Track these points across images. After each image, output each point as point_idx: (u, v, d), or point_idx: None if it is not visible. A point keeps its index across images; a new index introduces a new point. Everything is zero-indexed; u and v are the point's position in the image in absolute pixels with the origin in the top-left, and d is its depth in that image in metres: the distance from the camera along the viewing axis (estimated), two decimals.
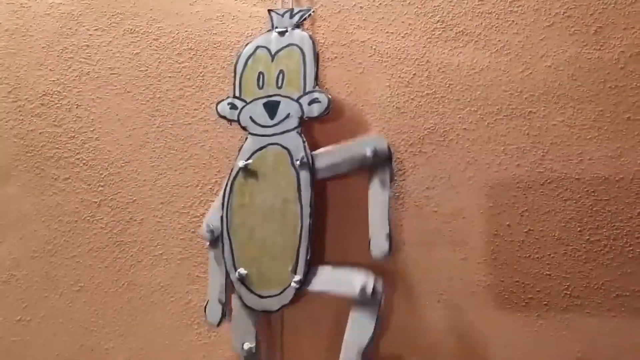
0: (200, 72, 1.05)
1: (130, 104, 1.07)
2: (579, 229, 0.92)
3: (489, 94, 0.95)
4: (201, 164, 1.05)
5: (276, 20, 0.96)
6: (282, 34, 0.95)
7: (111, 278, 1.09)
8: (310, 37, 0.94)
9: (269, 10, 0.97)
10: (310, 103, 0.92)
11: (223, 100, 0.96)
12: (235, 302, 0.96)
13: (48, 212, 1.10)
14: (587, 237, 0.92)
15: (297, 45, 0.94)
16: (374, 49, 0.99)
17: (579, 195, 0.92)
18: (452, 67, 0.96)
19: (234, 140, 1.02)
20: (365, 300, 0.88)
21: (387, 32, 0.98)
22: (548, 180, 0.93)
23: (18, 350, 1.12)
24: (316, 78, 0.93)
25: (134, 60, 1.07)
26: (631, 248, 0.90)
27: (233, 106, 0.95)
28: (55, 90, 1.09)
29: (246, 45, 0.96)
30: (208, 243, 0.97)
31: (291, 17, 0.96)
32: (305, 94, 0.93)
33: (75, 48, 1.08)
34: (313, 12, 0.98)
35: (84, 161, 1.09)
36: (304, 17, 0.96)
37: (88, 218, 1.09)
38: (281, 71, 0.94)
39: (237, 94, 0.95)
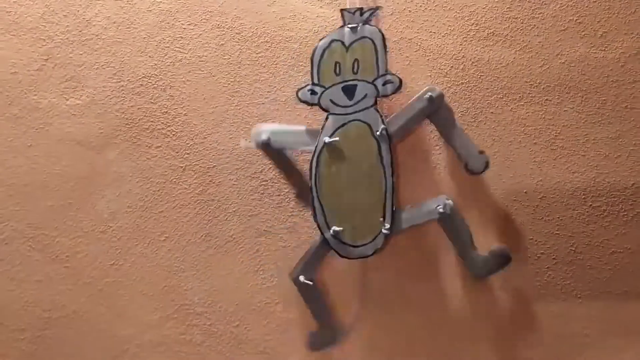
0: (274, 61, 1.36)
1: (214, 86, 1.39)
2: (583, 196, 1.21)
3: (512, 84, 1.25)
4: None
5: (348, 18, 1.21)
6: (354, 29, 1.21)
7: (192, 230, 1.40)
8: (380, 30, 1.20)
9: (342, 10, 1.22)
10: (384, 84, 1.19)
11: (303, 87, 1.21)
12: (316, 240, 1.23)
13: (141, 174, 1.42)
14: (590, 204, 1.21)
15: (368, 38, 1.20)
16: (419, 45, 1.29)
17: (584, 169, 1.21)
18: (483, 61, 1.26)
19: (300, 118, 1.33)
20: (446, 216, 1.17)
21: (430, 32, 1.29)
22: (559, 156, 1.22)
23: (111, 289, 1.43)
24: (386, 64, 1.20)
25: (219, 50, 1.39)
26: (625, 213, 1.20)
27: (313, 92, 1.21)
28: (152, 74, 1.41)
29: (321, 39, 1.22)
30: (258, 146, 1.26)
31: (361, 14, 1.22)
32: (379, 76, 1.19)
33: (171, 39, 1.40)
34: (380, 10, 1.24)
35: (174, 132, 1.41)
36: (372, 14, 1.22)
37: (175, 180, 1.41)
38: (356, 60, 1.20)
39: (315, 81, 1.21)
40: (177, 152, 1.40)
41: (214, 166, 1.38)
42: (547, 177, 1.23)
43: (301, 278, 1.25)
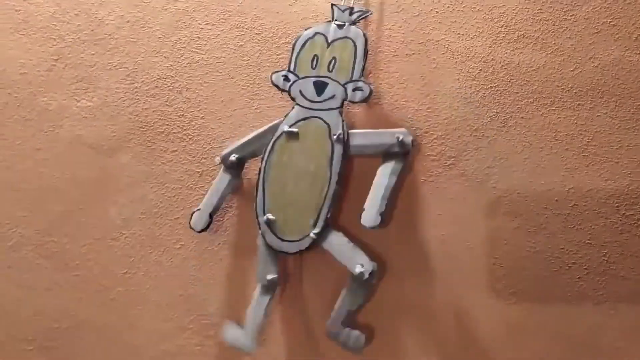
0: None
1: (232, 88, 1.36)
2: (616, 204, 1.20)
3: (543, 88, 1.23)
4: None
5: (337, 14, 1.24)
6: (340, 27, 1.23)
7: (208, 238, 1.38)
8: (364, 34, 1.22)
9: (332, 5, 1.24)
10: (354, 90, 1.20)
11: (278, 71, 1.24)
12: (260, 242, 1.25)
13: (156, 179, 1.40)
14: (623, 212, 1.19)
15: (351, 39, 1.22)
16: (447, 47, 1.27)
17: (617, 176, 1.20)
18: (513, 64, 1.24)
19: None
20: (359, 281, 1.18)
21: (458, 34, 1.27)
22: (592, 163, 1.21)
23: (123, 298, 1.41)
24: (363, 70, 1.21)
25: (238, 51, 1.36)
26: None
27: (286, 78, 1.23)
28: (168, 75, 1.39)
29: (307, 29, 1.24)
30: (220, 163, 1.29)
31: (350, 14, 1.23)
32: (351, 81, 1.21)
33: (188, 39, 1.38)
34: (371, 14, 1.25)
35: (190, 136, 1.38)
36: (362, 17, 1.23)
37: (191, 185, 1.38)
38: (334, 58, 1.22)
39: (291, 69, 1.24)
40: (193, 157, 1.38)
41: None
42: (579, 184, 1.21)
43: (269, 276, 1.25)
